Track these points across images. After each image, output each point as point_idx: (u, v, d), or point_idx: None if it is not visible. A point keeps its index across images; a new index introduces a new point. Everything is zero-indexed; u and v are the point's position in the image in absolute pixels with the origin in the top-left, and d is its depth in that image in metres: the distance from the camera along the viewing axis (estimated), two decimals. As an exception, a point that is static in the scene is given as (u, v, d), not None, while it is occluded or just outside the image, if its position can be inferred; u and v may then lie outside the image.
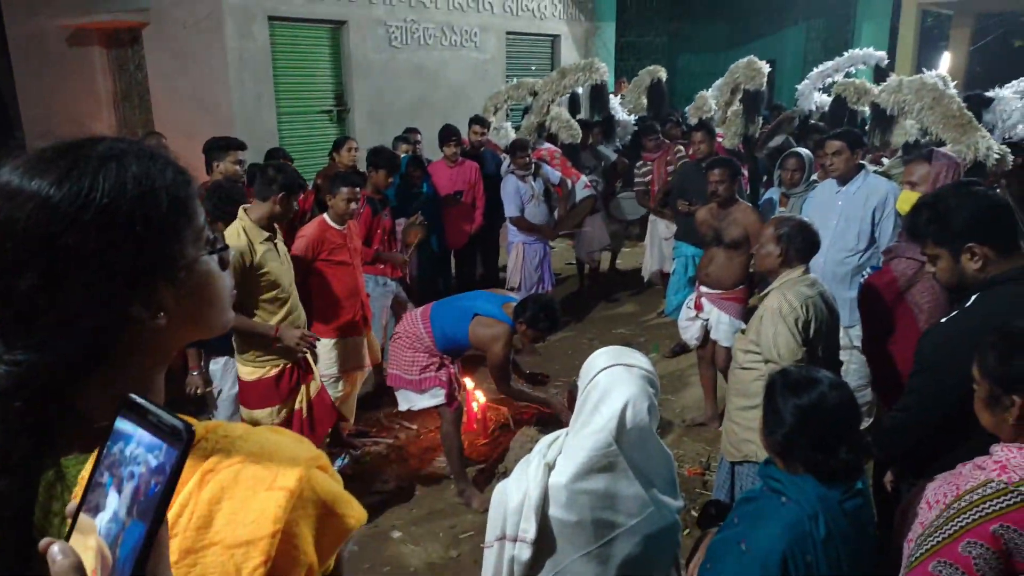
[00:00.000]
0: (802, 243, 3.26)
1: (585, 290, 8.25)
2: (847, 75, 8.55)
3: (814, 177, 5.55)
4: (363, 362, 4.79)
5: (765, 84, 7.72)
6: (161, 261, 0.82)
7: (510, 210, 6.49)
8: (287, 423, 3.80)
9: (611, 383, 1.98)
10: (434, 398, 4.17)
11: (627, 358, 2.06)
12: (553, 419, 4.81)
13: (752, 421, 3.19)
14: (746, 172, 6.98)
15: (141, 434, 0.66)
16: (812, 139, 7.11)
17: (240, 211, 3.63)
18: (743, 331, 3.40)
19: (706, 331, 5.25)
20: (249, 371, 3.73)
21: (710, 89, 8.87)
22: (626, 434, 1.95)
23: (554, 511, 2.00)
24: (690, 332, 5.33)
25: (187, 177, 0.87)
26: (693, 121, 8.01)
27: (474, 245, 7.11)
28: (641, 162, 7.42)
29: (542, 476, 2.02)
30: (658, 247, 7.12)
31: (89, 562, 0.65)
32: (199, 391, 4.03)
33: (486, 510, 2.11)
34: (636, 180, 7.42)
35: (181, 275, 0.84)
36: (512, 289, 6.54)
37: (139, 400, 0.68)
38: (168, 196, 0.82)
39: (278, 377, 3.75)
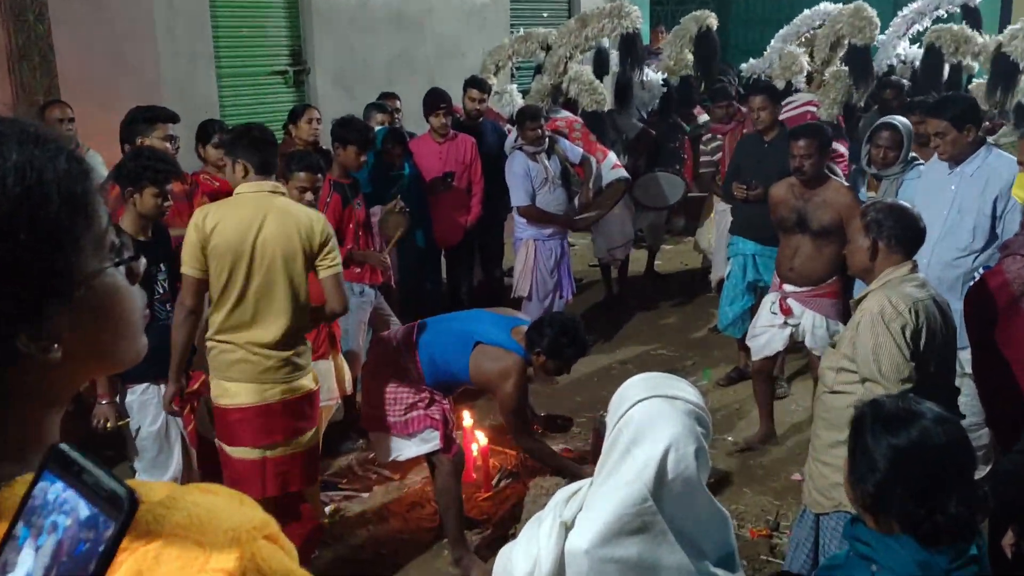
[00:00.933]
0: (897, 229, 3.28)
1: (614, 299, 8.27)
2: (936, 20, 8.56)
3: (913, 154, 5.54)
4: (330, 394, 4.81)
5: (876, 37, 7.68)
6: (52, 277, 0.81)
7: (517, 197, 6.52)
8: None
9: (648, 420, 1.98)
10: (425, 443, 4.18)
11: (669, 388, 2.07)
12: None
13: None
14: (845, 151, 6.99)
15: (71, 496, 0.66)
16: (884, 95, 7.14)
17: (276, 187, 3.86)
18: (833, 345, 3.40)
19: (786, 341, 5.29)
20: (312, 379, 3.95)
21: (775, 39, 8.89)
22: (667, 486, 1.95)
23: (573, 586, 1.99)
24: (764, 340, 5.35)
25: (84, 167, 0.86)
26: (780, 84, 8.00)
27: (471, 243, 7.12)
28: (709, 135, 7.45)
29: (557, 539, 2.02)
30: (724, 247, 7.11)
31: None
32: (108, 425, 4.06)
33: (488, 584, 2.11)
34: (703, 159, 7.45)
35: (79, 294, 0.84)
36: (521, 299, 6.55)
37: (72, 453, 0.68)
38: (60, 192, 0.82)
39: None
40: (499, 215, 7.28)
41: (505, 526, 4.64)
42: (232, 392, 3.75)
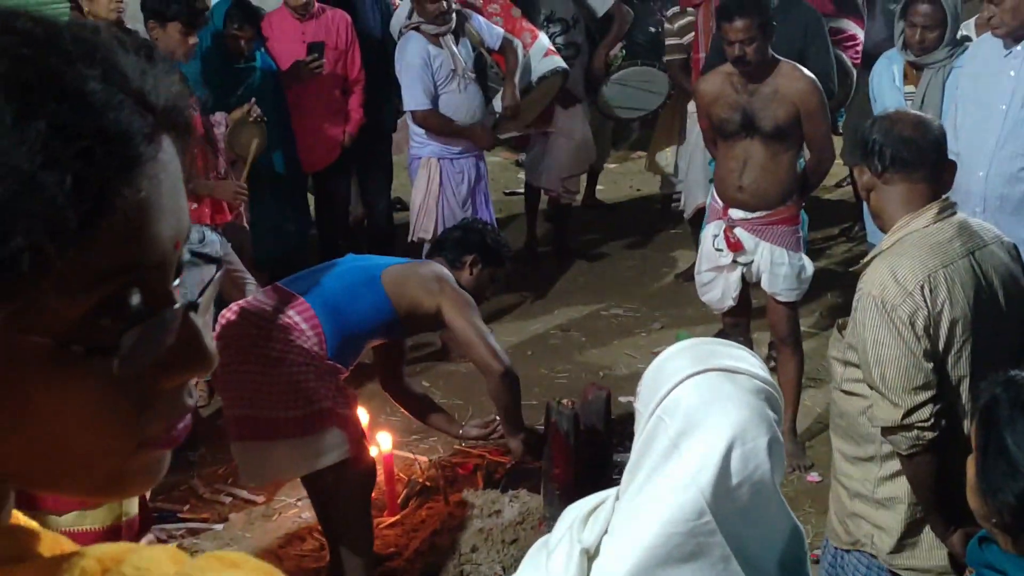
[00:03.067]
0: (901, 149, 3.12)
1: (538, 243, 8.33)
2: None
3: (964, 32, 5.67)
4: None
5: None
6: None
7: (413, 98, 6.47)
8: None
9: (702, 404, 1.97)
10: (328, 453, 4.11)
11: (725, 358, 2.06)
12: (529, 471, 4.86)
13: (867, 484, 3.24)
14: (859, 32, 7.09)
15: None
16: None
17: None
18: (840, 328, 3.35)
19: (745, 285, 5.47)
20: None
21: None
22: (730, 494, 1.94)
23: (600, 636, 2.00)
24: (718, 289, 5.53)
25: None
26: None
27: (346, 165, 7.08)
28: (676, 9, 7.43)
29: (576, 574, 2.02)
30: (702, 164, 7.17)
31: None
32: None
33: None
34: (669, 42, 7.46)
35: None
36: (423, 242, 6.52)
37: None
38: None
39: None
40: (385, 124, 7.23)
41: (422, 562, 4.65)
42: None
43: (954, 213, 3.17)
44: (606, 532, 2.07)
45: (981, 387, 2.20)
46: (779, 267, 5.27)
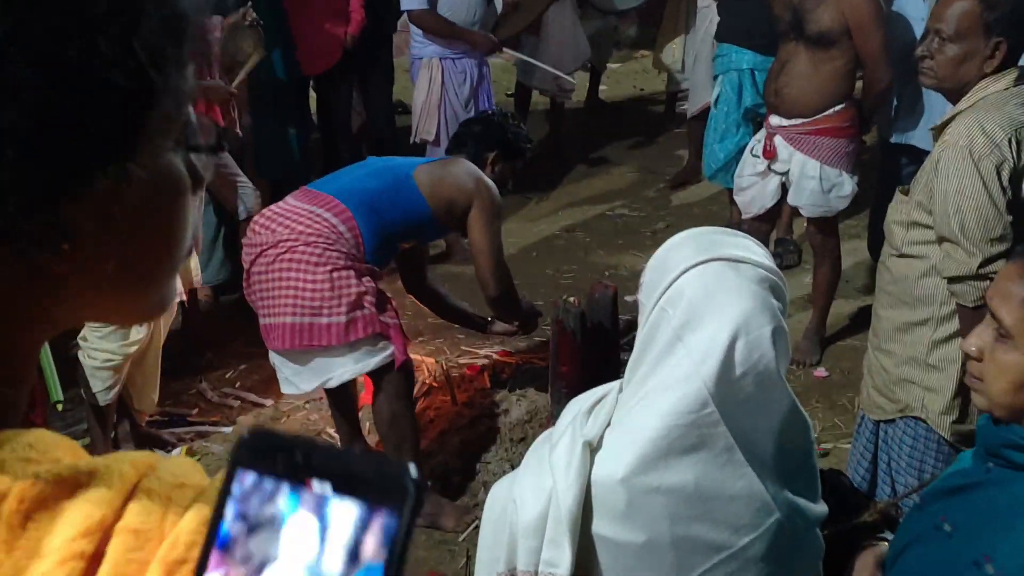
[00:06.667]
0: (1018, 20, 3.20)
1: (542, 144, 8.24)
2: None
3: None
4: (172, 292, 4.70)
5: None
6: (115, 125, 0.78)
7: (413, -1, 6.39)
8: None
9: (705, 294, 1.95)
10: (372, 356, 4.07)
11: (729, 247, 2.03)
12: (536, 370, 4.86)
13: (920, 347, 3.26)
14: None
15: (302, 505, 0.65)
16: None
17: None
18: (903, 190, 3.40)
19: (783, 197, 5.35)
20: None
21: None
22: (734, 385, 1.93)
23: (603, 527, 2.00)
24: (750, 195, 5.42)
25: None
26: None
27: (348, 68, 6.99)
28: None
29: (580, 466, 2.00)
30: (707, 60, 7.08)
31: None
32: None
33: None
34: None
35: (135, 173, 0.80)
36: (425, 144, 6.48)
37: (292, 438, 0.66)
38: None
39: None
40: (386, 25, 7.16)
41: (431, 462, 4.65)
42: None
43: None
44: (608, 425, 2.07)
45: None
46: (808, 180, 5.15)
